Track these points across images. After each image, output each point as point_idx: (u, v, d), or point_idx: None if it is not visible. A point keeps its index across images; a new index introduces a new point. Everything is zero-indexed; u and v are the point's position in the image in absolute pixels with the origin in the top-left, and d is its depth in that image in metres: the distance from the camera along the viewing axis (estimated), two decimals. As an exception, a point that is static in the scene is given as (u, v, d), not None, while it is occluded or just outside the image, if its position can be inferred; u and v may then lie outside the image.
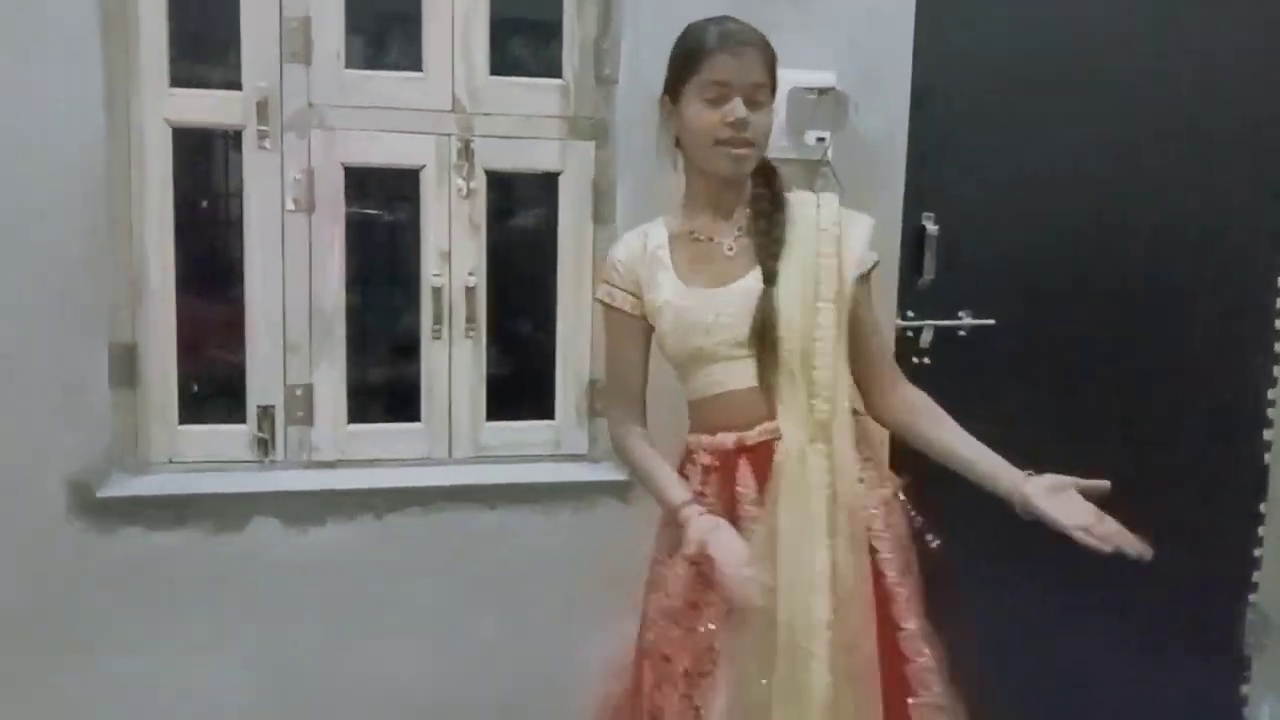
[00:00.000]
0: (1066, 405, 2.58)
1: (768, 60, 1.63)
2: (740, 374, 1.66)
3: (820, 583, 1.59)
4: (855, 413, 1.70)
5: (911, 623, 1.65)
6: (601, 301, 1.77)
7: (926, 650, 1.65)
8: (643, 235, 1.74)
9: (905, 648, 1.64)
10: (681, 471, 1.73)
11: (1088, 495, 1.58)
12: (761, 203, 1.69)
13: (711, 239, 1.70)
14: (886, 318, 2.32)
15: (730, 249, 1.68)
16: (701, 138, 1.62)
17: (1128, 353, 2.62)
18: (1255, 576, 2.74)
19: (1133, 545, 1.55)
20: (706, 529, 1.58)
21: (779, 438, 1.64)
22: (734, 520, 1.63)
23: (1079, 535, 1.53)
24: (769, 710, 1.58)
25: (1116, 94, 2.50)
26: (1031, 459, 2.52)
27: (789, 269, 1.64)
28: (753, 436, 1.65)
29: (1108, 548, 1.54)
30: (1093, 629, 2.66)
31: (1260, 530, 2.73)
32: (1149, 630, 2.68)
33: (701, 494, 1.68)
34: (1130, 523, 2.65)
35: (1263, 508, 2.72)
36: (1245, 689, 2.78)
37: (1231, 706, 2.78)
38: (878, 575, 1.64)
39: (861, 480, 1.66)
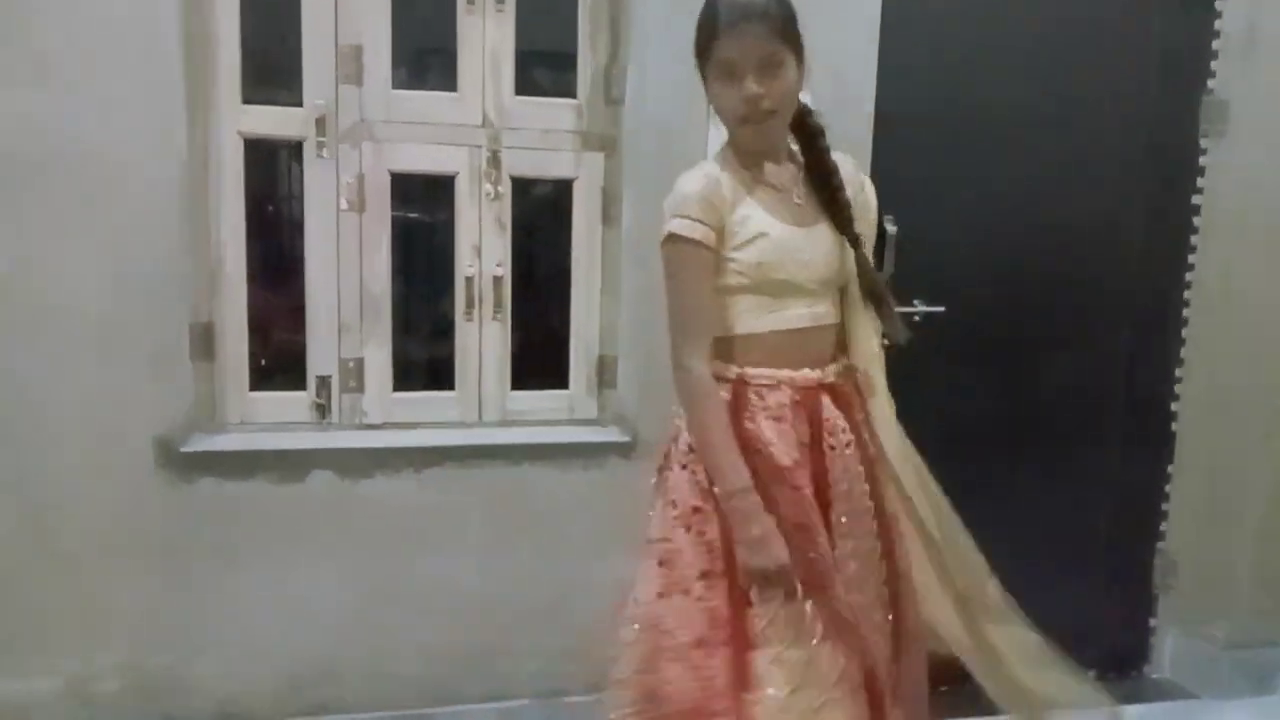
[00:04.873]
0: (1004, 379, 2.59)
1: (776, 27, 1.47)
2: (821, 311, 1.57)
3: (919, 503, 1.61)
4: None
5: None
6: (679, 236, 1.50)
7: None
8: (710, 176, 1.52)
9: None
10: (739, 404, 1.53)
11: None
12: (817, 162, 1.59)
13: (779, 186, 1.57)
14: None
15: (798, 198, 1.57)
16: (726, 115, 1.53)
17: (1056, 334, 2.62)
18: (1163, 526, 2.77)
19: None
20: (771, 532, 1.46)
21: (849, 377, 1.60)
22: (820, 449, 1.53)
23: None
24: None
25: (1047, 113, 2.51)
26: (976, 422, 2.56)
27: (841, 220, 1.58)
28: (830, 374, 1.57)
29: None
30: (1017, 571, 2.60)
31: (1168, 488, 2.76)
32: (1071, 570, 2.68)
33: (779, 419, 1.52)
34: (1057, 479, 2.75)
35: (1170, 469, 2.75)
36: (1153, 622, 2.82)
37: (1141, 638, 2.82)
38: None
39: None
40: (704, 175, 1.53)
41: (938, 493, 1.65)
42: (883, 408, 1.62)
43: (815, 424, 1.53)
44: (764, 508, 1.47)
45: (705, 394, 1.52)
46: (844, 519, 1.54)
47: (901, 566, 1.61)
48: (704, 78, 1.53)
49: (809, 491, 1.50)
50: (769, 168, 1.56)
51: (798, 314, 1.55)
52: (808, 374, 1.54)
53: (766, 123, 1.50)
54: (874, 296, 1.62)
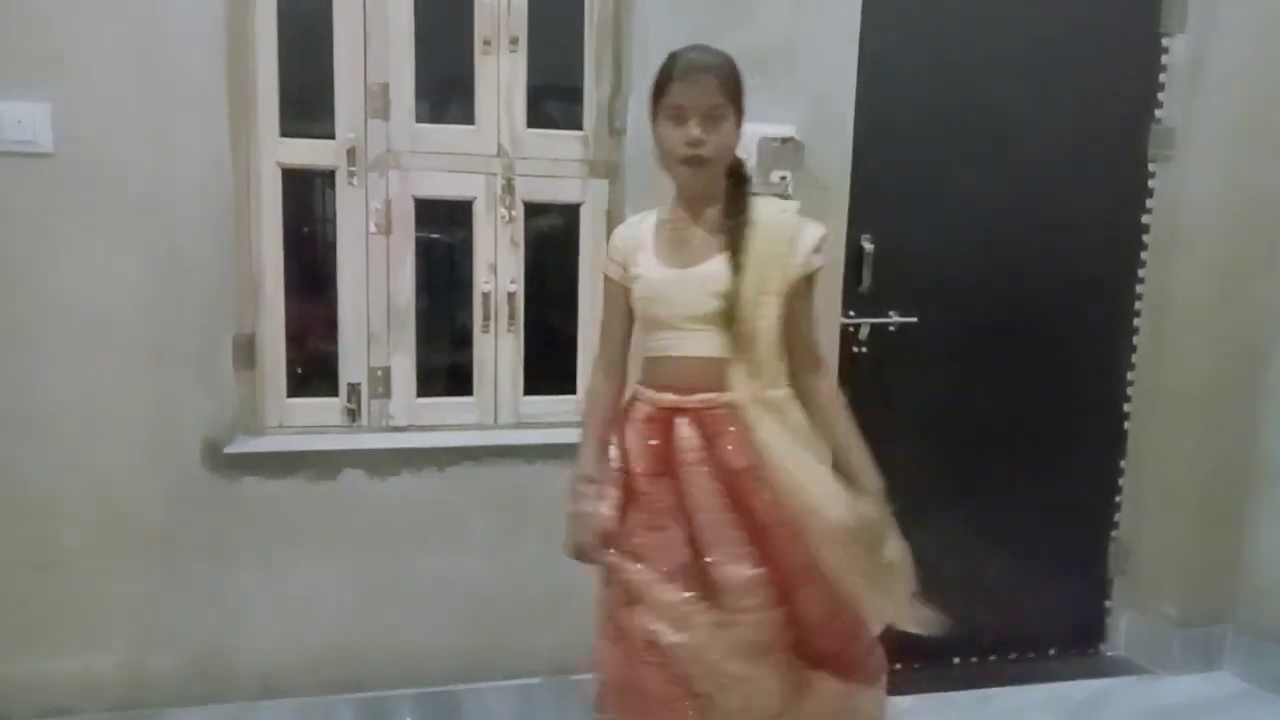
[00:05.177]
0: (972, 382, 2.66)
1: (725, 84, 1.56)
2: (689, 344, 1.62)
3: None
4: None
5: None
6: (605, 272, 1.75)
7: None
8: (639, 221, 1.72)
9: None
10: (629, 406, 1.70)
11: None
12: (731, 202, 1.64)
13: (688, 228, 1.64)
14: (830, 315, 2.38)
15: (700, 238, 1.63)
16: (666, 154, 1.60)
17: (1020, 340, 2.69)
18: (1116, 516, 2.85)
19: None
20: (582, 515, 1.63)
21: (713, 407, 1.60)
22: (672, 463, 1.60)
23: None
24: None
25: (1010, 139, 2.58)
26: (946, 419, 2.61)
27: (749, 261, 1.58)
28: (690, 401, 1.61)
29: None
30: (990, 559, 2.73)
31: (1120, 480, 2.84)
32: (1030, 556, 2.77)
33: (638, 431, 1.65)
34: (1021, 474, 2.71)
35: (1122, 463, 2.83)
36: (1109, 603, 2.89)
37: (1097, 620, 2.89)
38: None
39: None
40: (631, 222, 1.75)
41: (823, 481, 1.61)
42: (763, 439, 1.59)
43: (668, 441, 1.62)
44: (610, 496, 1.64)
45: (590, 397, 1.77)
46: (704, 529, 1.58)
47: (797, 562, 1.58)
48: (654, 120, 1.62)
49: (658, 494, 1.60)
50: (696, 212, 1.64)
51: (663, 344, 1.66)
52: (668, 397, 1.63)
53: (703, 168, 1.58)
54: (725, 320, 1.61)
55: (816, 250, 1.64)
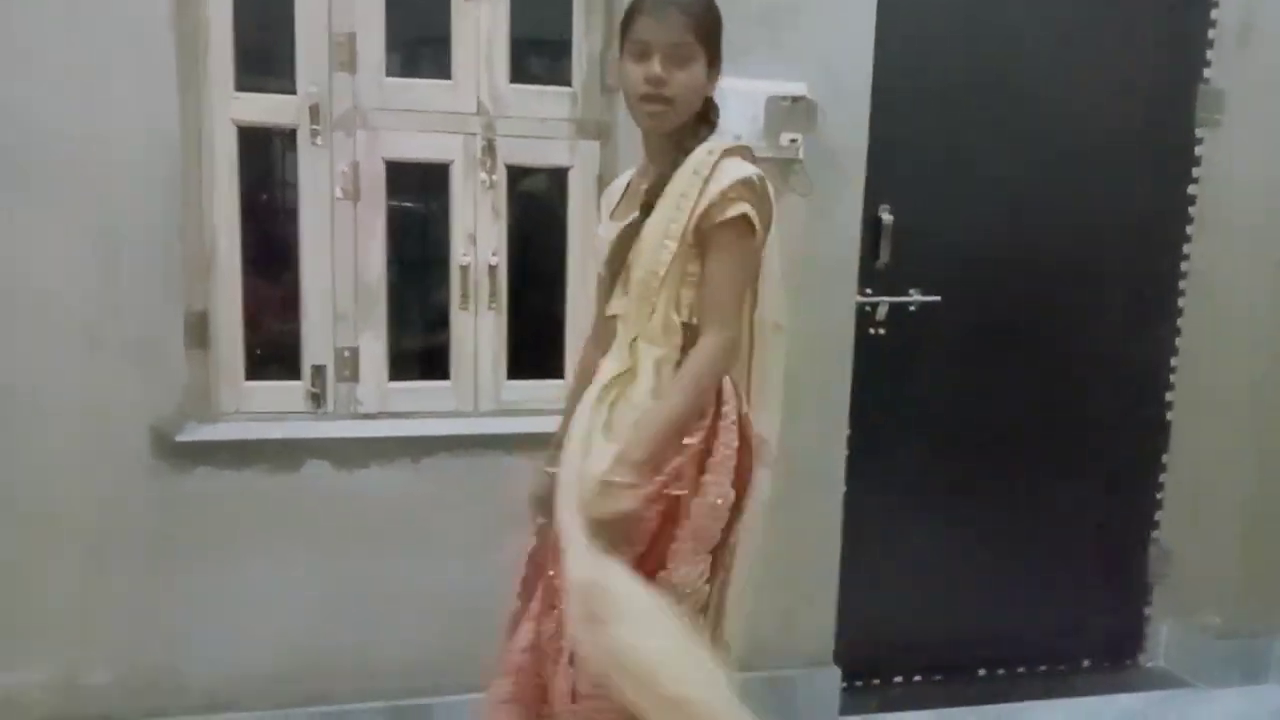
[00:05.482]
0: (999, 369, 2.61)
1: (693, 22, 1.51)
2: (613, 302, 1.60)
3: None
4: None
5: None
6: None
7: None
8: (624, 175, 1.71)
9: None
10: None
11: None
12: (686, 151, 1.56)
13: (645, 179, 1.59)
14: (845, 293, 2.35)
15: (645, 191, 1.57)
16: (628, 93, 1.55)
17: (1053, 324, 2.63)
18: (1158, 516, 2.79)
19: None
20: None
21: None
22: None
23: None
24: None
25: (1042, 104, 2.52)
26: (970, 409, 2.60)
27: (658, 207, 1.52)
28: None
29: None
30: (1018, 563, 2.70)
31: (1163, 477, 2.77)
32: (1062, 560, 2.73)
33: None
34: (1053, 471, 2.70)
35: (1165, 458, 2.76)
36: (1148, 611, 2.83)
37: (1137, 627, 2.84)
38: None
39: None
40: (621, 177, 1.74)
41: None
42: (590, 397, 1.56)
43: None
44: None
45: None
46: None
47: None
48: (619, 57, 1.56)
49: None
50: (659, 163, 1.56)
51: (599, 302, 1.65)
52: (599, 358, 1.62)
53: (664, 109, 1.51)
54: (610, 273, 1.58)
55: (731, 196, 1.48)
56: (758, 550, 1.64)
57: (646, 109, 1.52)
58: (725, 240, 1.49)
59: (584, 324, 2.34)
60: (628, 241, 1.53)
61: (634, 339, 1.54)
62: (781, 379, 1.68)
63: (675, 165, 1.52)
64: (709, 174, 1.49)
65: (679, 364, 1.51)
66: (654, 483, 1.44)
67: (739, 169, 1.50)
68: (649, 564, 1.46)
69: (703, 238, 1.49)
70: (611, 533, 1.42)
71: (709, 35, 1.53)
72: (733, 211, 1.47)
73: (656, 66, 1.48)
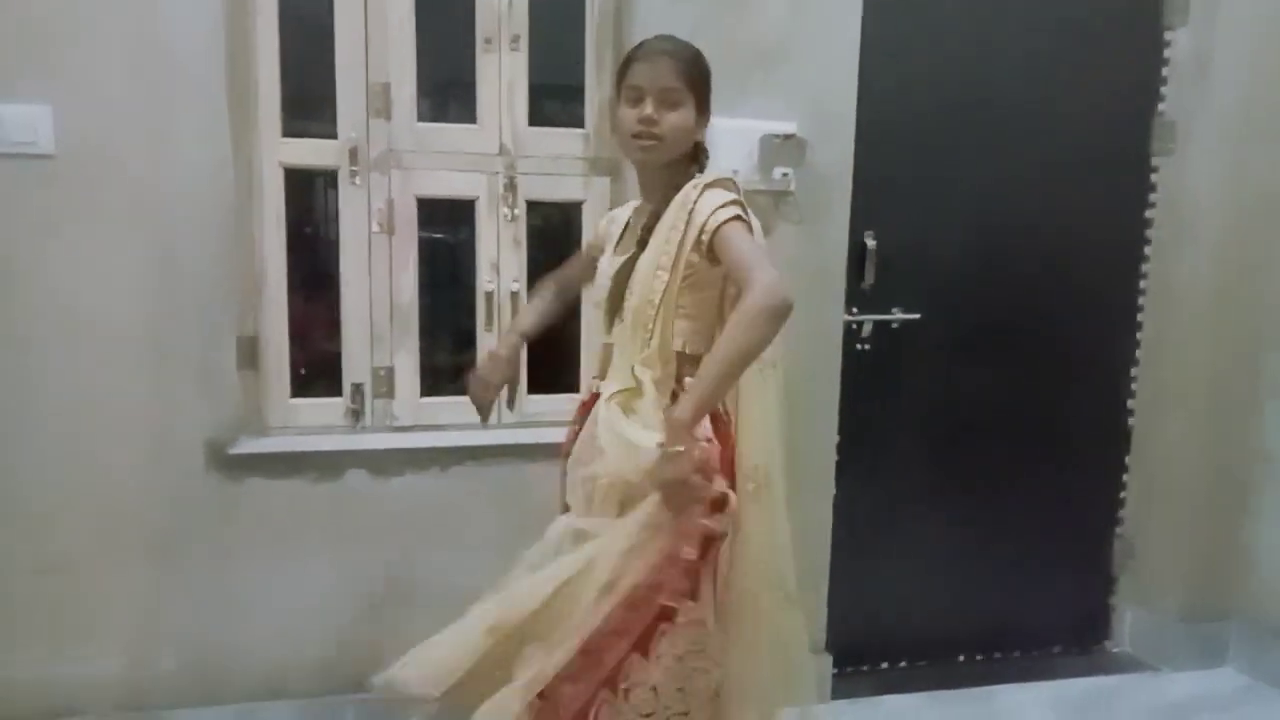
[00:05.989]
0: (976, 377, 2.66)
1: (683, 69, 1.57)
2: (612, 331, 1.64)
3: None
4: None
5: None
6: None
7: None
8: (626, 208, 1.78)
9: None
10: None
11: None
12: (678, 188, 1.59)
13: (643, 216, 1.65)
14: (833, 313, 2.40)
15: (643, 228, 1.63)
16: (621, 132, 1.60)
17: (1023, 336, 2.69)
18: (1120, 512, 2.85)
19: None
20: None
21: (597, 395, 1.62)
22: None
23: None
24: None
25: (1012, 136, 2.59)
26: (949, 415, 2.63)
27: (653, 241, 1.56)
28: (603, 386, 1.63)
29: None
30: (995, 556, 2.76)
31: (1125, 476, 2.84)
32: (1034, 553, 2.78)
33: (579, 413, 1.70)
34: (1027, 470, 2.71)
35: (1127, 458, 2.83)
36: (1112, 599, 2.89)
37: (1102, 615, 2.90)
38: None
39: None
40: (623, 207, 1.81)
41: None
42: (610, 412, 1.56)
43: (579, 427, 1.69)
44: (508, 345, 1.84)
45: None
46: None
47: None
48: (615, 103, 1.63)
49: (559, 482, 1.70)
50: (654, 200, 1.62)
51: (601, 331, 1.70)
52: (595, 381, 1.69)
53: (654, 147, 1.57)
54: (610, 304, 1.63)
55: (719, 205, 1.53)
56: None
57: (639, 144, 1.58)
58: (728, 231, 1.51)
59: (596, 345, 2.36)
60: (625, 274, 1.59)
61: (632, 366, 1.57)
62: (779, 415, 1.67)
63: (667, 202, 1.58)
64: (693, 206, 1.54)
65: (674, 391, 1.55)
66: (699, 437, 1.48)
67: (713, 197, 1.54)
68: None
69: (709, 246, 1.52)
70: (685, 494, 1.44)
71: (697, 83, 1.59)
72: (725, 214, 1.51)
73: (649, 108, 1.55)
